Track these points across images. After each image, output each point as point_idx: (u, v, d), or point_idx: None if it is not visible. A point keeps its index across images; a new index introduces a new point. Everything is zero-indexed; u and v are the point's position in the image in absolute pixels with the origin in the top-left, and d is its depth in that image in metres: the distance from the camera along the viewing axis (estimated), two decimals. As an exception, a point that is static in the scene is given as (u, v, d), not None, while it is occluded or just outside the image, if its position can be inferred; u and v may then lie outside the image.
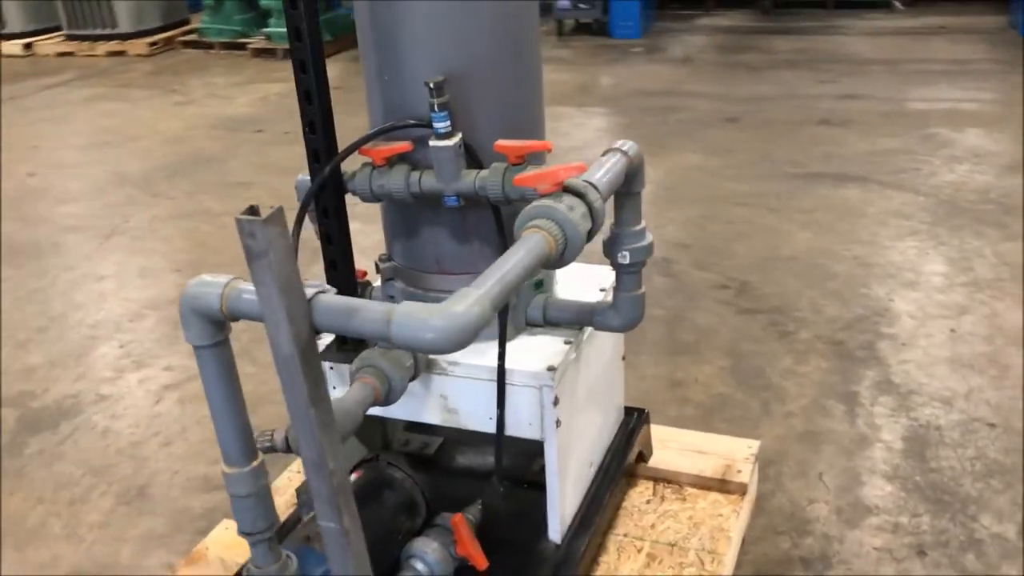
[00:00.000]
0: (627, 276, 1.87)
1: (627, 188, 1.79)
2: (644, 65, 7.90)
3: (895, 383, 3.06)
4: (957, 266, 3.85)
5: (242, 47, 9.10)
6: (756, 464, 2.49)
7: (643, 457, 2.43)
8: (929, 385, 3.04)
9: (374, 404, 1.71)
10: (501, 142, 1.70)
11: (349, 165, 1.84)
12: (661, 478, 2.43)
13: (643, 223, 1.84)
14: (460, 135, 1.73)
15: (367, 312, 1.24)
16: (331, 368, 1.97)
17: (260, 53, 8.88)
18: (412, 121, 1.75)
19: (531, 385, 1.84)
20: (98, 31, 9.76)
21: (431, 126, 1.70)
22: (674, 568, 2.13)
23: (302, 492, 2.01)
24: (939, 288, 3.68)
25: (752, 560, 2.35)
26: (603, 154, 1.74)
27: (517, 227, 1.48)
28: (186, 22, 10.15)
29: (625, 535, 2.25)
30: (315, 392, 1.29)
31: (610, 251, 1.84)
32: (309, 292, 1.27)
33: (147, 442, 2.96)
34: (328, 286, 1.32)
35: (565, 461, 1.94)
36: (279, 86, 7.54)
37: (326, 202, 1.80)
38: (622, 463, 2.26)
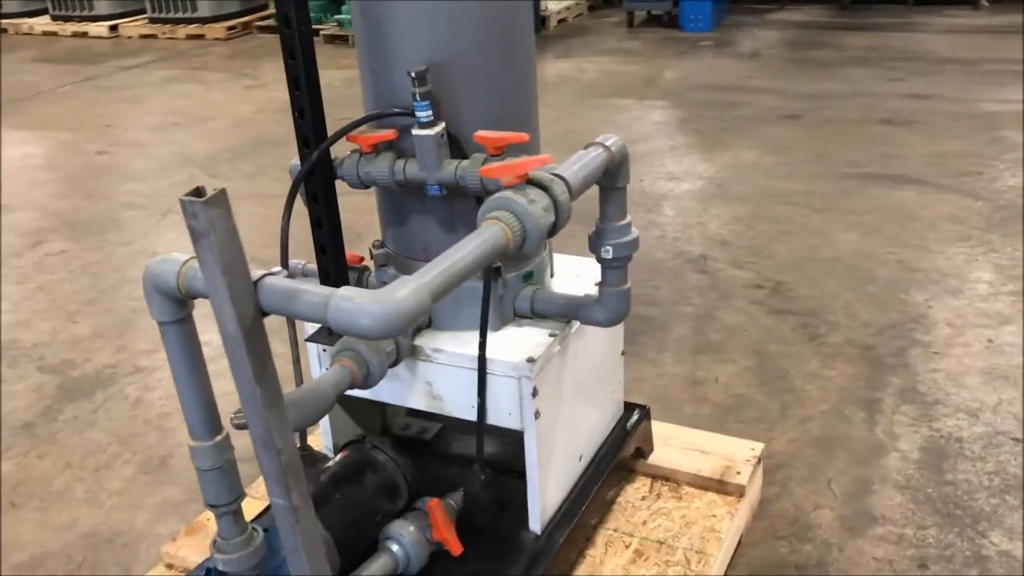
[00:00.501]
0: (611, 271, 1.86)
1: (610, 183, 1.78)
2: (711, 59, 7.79)
3: (921, 392, 2.98)
4: (1005, 274, 3.72)
5: (316, 33, 9.25)
6: (760, 466, 2.46)
7: (642, 453, 2.42)
8: (957, 396, 2.95)
9: (351, 387, 1.75)
10: (480, 133, 1.72)
11: (343, 151, 1.88)
12: (659, 475, 2.42)
13: (628, 218, 1.83)
14: (443, 124, 1.75)
15: (308, 295, 1.27)
16: (324, 351, 2.02)
17: (332, 40, 9.04)
18: (397, 110, 1.77)
19: (511, 375, 1.85)
20: (179, 15, 10.06)
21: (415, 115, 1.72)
22: (659, 566, 2.13)
23: (289, 469, 2.06)
24: (982, 296, 3.56)
25: (747, 563, 2.33)
26: (585, 148, 1.74)
27: (479, 218, 1.50)
28: (264, 7, 10.39)
29: (615, 530, 2.24)
30: (260, 371, 1.32)
31: (594, 246, 1.84)
32: (255, 274, 1.31)
33: (174, 414, 3.06)
34: (279, 268, 1.36)
35: (546, 452, 1.95)
36: (345, 72, 7.65)
37: (315, 187, 1.84)
38: (615, 458, 2.25)
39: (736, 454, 2.44)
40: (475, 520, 2.00)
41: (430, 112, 1.71)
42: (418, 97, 1.70)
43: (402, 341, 1.84)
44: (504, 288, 1.94)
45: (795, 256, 4.00)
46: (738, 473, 2.36)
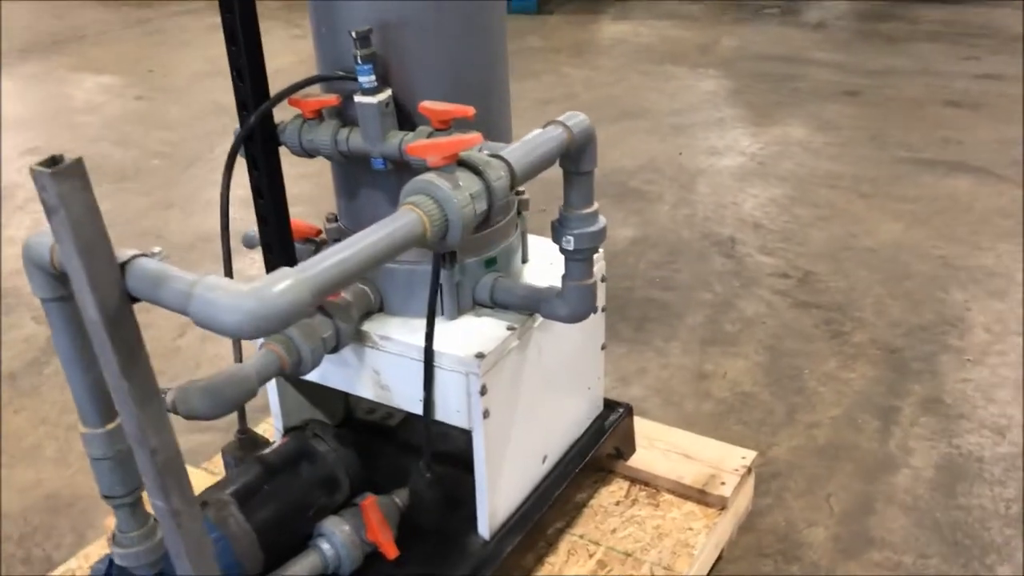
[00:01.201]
0: (573, 263, 1.69)
1: (574, 167, 1.60)
2: (773, 28, 7.42)
3: (945, 403, 2.75)
4: (1057, 278, 3.43)
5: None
6: (750, 477, 2.28)
7: (622, 454, 2.25)
8: (984, 410, 2.71)
9: (280, 374, 1.62)
10: (425, 104, 1.55)
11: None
12: (638, 479, 2.25)
13: (595, 206, 1.65)
14: (388, 92, 1.58)
15: (173, 282, 1.13)
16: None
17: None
18: (341, 73, 1.61)
19: (458, 371, 1.70)
20: (238, -39, 9.95)
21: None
22: (622, 580, 1.97)
23: (226, 452, 1.94)
24: (1028, 301, 3.29)
25: (726, 580, 2.16)
26: (543, 126, 1.55)
27: (400, 202, 1.33)
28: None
29: (581, 536, 2.09)
30: (128, 363, 1.19)
31: (556, 235, 1.67)
32: (124, 255, 1.16)
33: (159, 375, 2.97)
34: (157, 249, 1.21)
35: (498, 453, 1.80)
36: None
37: (255, 152, 1.69)
38: (586, 459, 2.09)
39: (724, 462, 2.25)
40: (422, 520, 1.86)
41: (372, 77, 1.55)
42: (360, 60, 1.54)
43: (342, 326, 1.70)
44: (462, 274, 1.78)
45: (830, 244, 3.75)
46: (722, 483, 2.18)
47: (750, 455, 2.28)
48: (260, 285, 1.10)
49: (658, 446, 2.32)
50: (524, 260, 1.98)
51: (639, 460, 2.27)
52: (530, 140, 1.49)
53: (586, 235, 1.65)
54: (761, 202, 4.18)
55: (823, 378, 2.89)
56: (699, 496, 2.18)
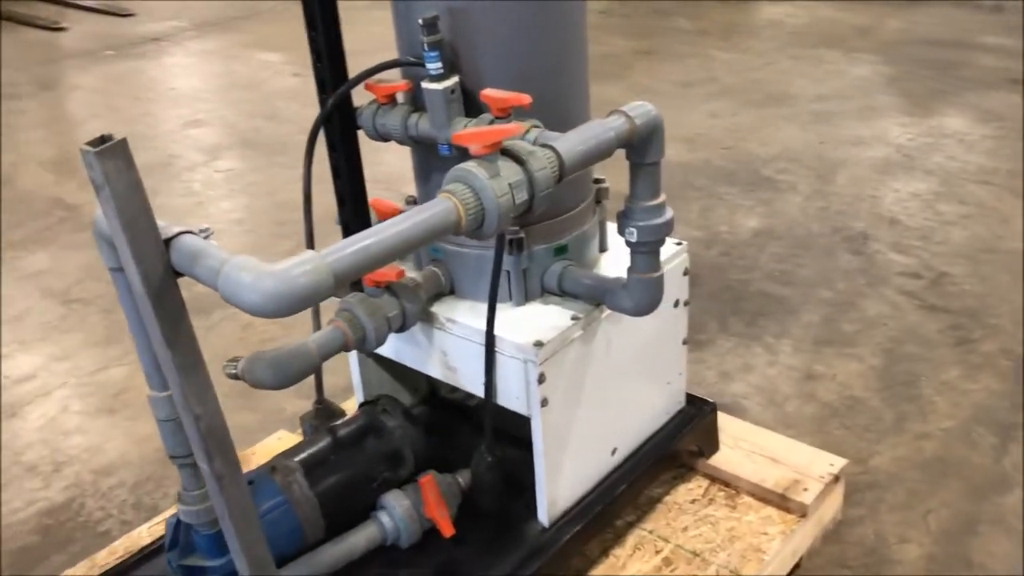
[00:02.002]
0: (638, 256, 1.66)
1: (638, 157, 1.56)
2: (945, 9, 6.96)
3: (1076, 423, 2.54)
4: None
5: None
6: (838, 485, 2.18)
7: (703, 452, 2.20)
8: (1120, 434, 2.49)
9: (344, 349, 1.67)
10: (486, 91, 1.55)
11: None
12: (719, 479, 2.20)
13: (661, 198, 1.61)
14: (455, 79, 1.59)
15: (207, 259, 1.18)
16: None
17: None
18: (411, 59, 1.63)
19: (516, 357, 1.71)
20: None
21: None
22: (686, 580, 1.93)
23: (304, 420, 2.02)
24: None
25: (802, 590, 2.08)
26: (608, 115, 1.52)
27: (440, 190, 1.34)
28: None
29: (651, 531, 2.06)
30: (172, 334, 1.26)
31: (620, 226, 1.64)
32: (170, 231, 1.23)
33: (276, 340, 3.12)
34: (204, 227, 1.28)
35: (558, 441, 1.80)
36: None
37: (332, 135, 1.74)
38: (660, 455, 2.06)
39: (810, 468, 2.17)
40: (484, 502, 1.88)
41: (439, 64, 1.57)
42: (427, 47, 1.55)
43: (408, 306, 1.73)
44: (529, 261, 1.78)
45: (970, 245, 3.51)
46: (805, 490, 2.10)
47: (839, 462, 2.19)
48: (283, 267, 1.14)
49: (743, 446, 2.25)
50: (602, 249, 1.96)
51: (721, 459, 2.21)
52: (585, 129, 1.47)
53: (650, 227, 1.61)
54: (901, 197, 3.95)
55: (941, 387, 2.72)
56: (779, 501, 2.10)
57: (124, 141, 1.14)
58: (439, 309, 1.82)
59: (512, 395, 1.76)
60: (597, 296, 1.76)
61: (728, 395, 2.74)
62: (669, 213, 1.63)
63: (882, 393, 2.72)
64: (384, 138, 1.75)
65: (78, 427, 2.84)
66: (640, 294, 1.69)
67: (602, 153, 1.47)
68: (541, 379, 1.70)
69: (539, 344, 1.68)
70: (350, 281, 1.18)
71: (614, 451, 1.98)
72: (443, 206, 1.29)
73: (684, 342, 2.10)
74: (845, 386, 2.76)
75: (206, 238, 1.28)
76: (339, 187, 1.80)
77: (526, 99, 1.51)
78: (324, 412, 2.00)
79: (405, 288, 1.74)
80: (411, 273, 1.86)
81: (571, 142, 1.43)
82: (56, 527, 2.44)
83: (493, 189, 1.30)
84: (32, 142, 5.33)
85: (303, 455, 1.82)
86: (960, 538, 2.19)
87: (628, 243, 1.65)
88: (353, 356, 2.06)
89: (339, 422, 1.93)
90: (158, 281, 1.22)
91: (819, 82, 5.47)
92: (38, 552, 2.35)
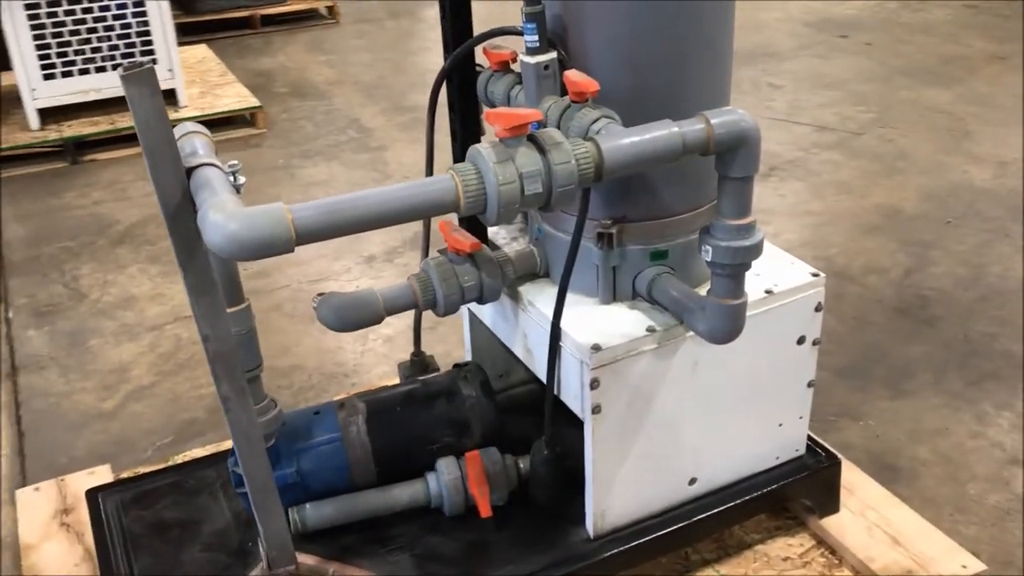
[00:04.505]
0: (717, 278, 1.50)
1: (723, 170, 1.40)
2: None
3: None
4: None
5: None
6: (967, 592, 1.86)
7: (813, 509, 1.97)
8: None
9: (411, 308, 1.69)
10: (569, 74, 1.45)
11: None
12: (825, 543, 1.95)
13: (749, 218, 1.43)
14: (552, 55, 1.51)
15: (205, 193, 1.23)
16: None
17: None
18: (518, 28, 1.57)
19: (575, 356, 1.63)
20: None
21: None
22: (736, 640, 1.76)
23: (401, 368, 2.07)
24: None
25: None
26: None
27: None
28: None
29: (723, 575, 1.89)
30: (187, 257, 1.34)
31: (699, 240, 1.49)
32: (194, 161, 1.30)
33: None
34: (233, 163, 1.33)
35: (611, 453, 1.69)
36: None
37: (452, 96, 1.73)
38: (754, 499, 1.86)
39: (935, 562, 1.86)
40: (538, 495, 1.83)
41: (536, 37, 1.50)
42: (525, 17, 1.49)
43: (488, 280, 1.69)
44: (621, 259, 1.67)
45: None
46: (915, 585, 1.81)
47: (976, 566, 1.85)
48: (249, 212, 1.16)
49: (869, 516, 1.98)
50: (718, 261, 1.79)
51: (836, 522, 1.96)
52: (643, 129, 1.34)
53: (730, 249, 1.45)
54: None
55: None
56: (883, 588, 1.84)
57: (151, 69, 1.21)
58: (526, 290, 1.77)
59: (571, 393, 1.68)
60: (679, 312, 1.62)
61: (907, 457, 2.41)
62: (757, 236, 1.46)
63: (1099, 504, 2.25)
64: (491, 105, 1.71)
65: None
66: (715, 320, 1.53)
67: (660, 157, 1.34)
68: (594, 384, 1.60)
69: (596, 348, 1.58)
70: (317, 239, 1.18)
71: (692, 481, 1.83)
72: (443, 183, 1.24)
73: (810, 384, 1.87)
74: (1056, 482, 2.32)
75: (232, 175, 1.34)
76: (455, 149, 1.79)
77: (594, 86, 1.40)
78: (418, 364, 2.03)
79: (488, 261, 1.70)
80: (515, 248, 1.83)
81: (620, 139, 1.31)
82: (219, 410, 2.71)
83: (497, 174, 1.23)
84: (358, 64, 5.82)
85: (375, 399, 1.87)
86: None
87: (706, 262, 1.49)
88: (466, 316, 2.07)
89: (425, 376, 1.96)
90: (175, 205, 1.29)
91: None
92: (197, 427, 2.64)
